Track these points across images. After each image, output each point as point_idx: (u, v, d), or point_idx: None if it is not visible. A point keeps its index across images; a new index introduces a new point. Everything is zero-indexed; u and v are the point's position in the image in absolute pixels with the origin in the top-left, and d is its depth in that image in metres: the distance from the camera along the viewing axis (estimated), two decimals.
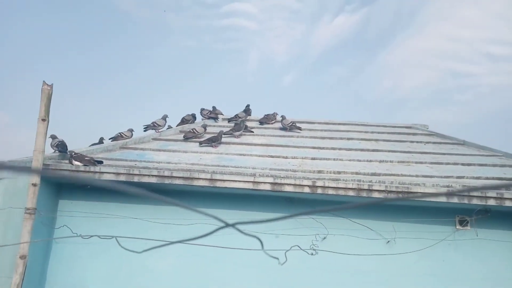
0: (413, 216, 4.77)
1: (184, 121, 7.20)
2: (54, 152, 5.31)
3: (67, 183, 4.98)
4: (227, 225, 1.18)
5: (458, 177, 5.35)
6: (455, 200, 4.46)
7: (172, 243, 1.65)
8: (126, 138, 6.15)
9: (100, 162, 4.90)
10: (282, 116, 7.47)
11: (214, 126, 7.30)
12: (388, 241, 4.74)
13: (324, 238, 4.75)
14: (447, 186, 4.75)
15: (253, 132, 7.01)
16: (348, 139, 7.04)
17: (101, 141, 6.49)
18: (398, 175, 5.37)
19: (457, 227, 4.75)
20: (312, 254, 4.67)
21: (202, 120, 7.63)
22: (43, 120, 4.51)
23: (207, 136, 6.45)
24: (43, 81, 4.60)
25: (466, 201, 4.46)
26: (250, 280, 4.80)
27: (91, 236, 4.56)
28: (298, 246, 4.63)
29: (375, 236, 4.76)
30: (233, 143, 6.48)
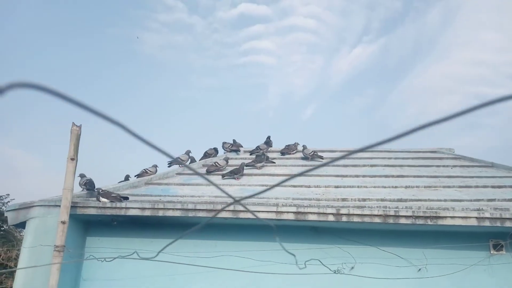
0: (443, 242, 4.60)
1: (206, 155, 7.32)
2: (82, 190, 5.48)
3: (94, 220, 5.09)
4: (235, 201, 1.19)
5: (488, 200, 5.17)
6: (487, 223, 4.30)
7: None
8: (151, 174, 6.28)
9: (126, 198, 5.01)
10: (303, 146, 7.50)
11: (236, 158, 7.38)
12: (420, 269, 4.57)
13: (352, 268, 4.62)
14: (478, 210, 4.58)
15: (274, 163, 7.04)
16: (372, 166, 6.96)
17: (127, 178, 6.65)
18: (425, 200, 5.24)
19: (492, 251, 4.54)
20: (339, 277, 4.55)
21: (224, 153, 7.73)
22: (72, 159, 4.69)
23: (230, 168, 6.52)
24: (72, 122, 4.83)
25: (499, 224, 4.29)
26: None
27: (114, 258, 4.60)
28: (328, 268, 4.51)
29: (405, 264, 4.59)
30: (255, 175, 6.51)
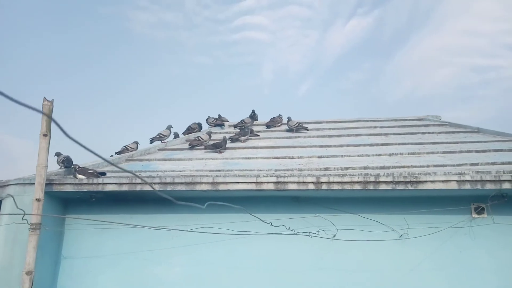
0: (425, 207, 4.57)
1: (190, 129, 7.20)
2: (60, 168, 5.37)
3: (73, 198, 5.00)
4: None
5: (471, 164, 5.13)
6: (467, 186, 4.26)
7: None
8: (132, 150, 6.17)
9: (103, 174, 4.91)
10: (288, 118, 7.39)
11: (220, 133, 7.27)
12: (401, 235, 4.55)
13: (334, 236, 4.59)
14: (459, 173, 4.53)
15: (259, 135, 6.94)
16: (357, 135, 6.89)
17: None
18: (408, 166, 5.19)
19: (473, 215, 4.52)
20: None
21: (209, 128, 7.61)
22: (45, 135, 4.55)
23: (213, 143, 6.42)
24: (44, 97, 4.66)
25: (479, 187, 4.25)
26: (263, 285, 4.67)
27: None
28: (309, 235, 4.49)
29: (386, 229, 4.57)
30: (239, 148, 6.42)
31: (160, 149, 6.47)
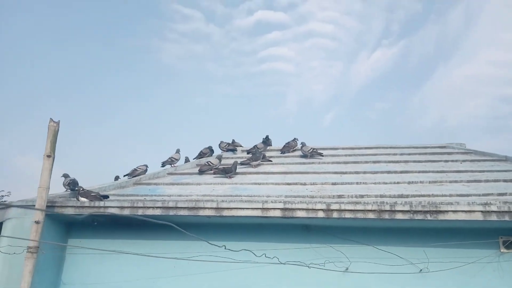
0: (447, 240, 4.18)
1: (201, 154, 7.06)
2: (66, 190, 5.27)
3: (75, 221, 4.86)
4: None
5: (499, 194, 4.72)
6: (493, 217, 3.87)
7: None
8: (140, 172, 6.04)
9: (106, 197, 4.77)
10: (302, 143, 7.15)
11: (231, 158, 7.09)
12: (421, 269, 4.15)
13: (346, 268, 4.23)
14: (484, 203, 4.14)
15: (271, 161, 6.71)
16: (374, 162, 6.56)
17: (116, 179, 6.44)
18: (428, 195, 4.83)
19: (501, 249, 4.09)
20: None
21: (221, 152, 7.45)
22: (49, 156, 4.47)
23: (223, 167, 6.23)
24: (50, 118, 4.63)
25: (507, 218, 3.85)
26: None
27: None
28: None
29: (404, 263, 4.18)
30: (250, 173, 6.20)
31: (169, 173, 6.32)
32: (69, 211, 4.55)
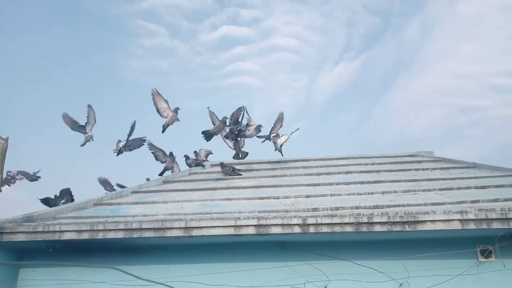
0: (426, 251, 4.06)
1: (165, 169, 6.76)
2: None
3: (28, 248, 4.39)
4: None
5: (472, 202, 4.67)
6: (471, 226, 3.79)
7: None
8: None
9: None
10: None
11: (201, 173, 6.79)
12: (401, 284, 4.00)
13: (325, 287, 4.02)
14: (461, 212, 4.06)
15: (241, 174, 6.47)
16: (347, 172, 6.45)
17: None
18: (404, 205, 4.71)
19: (480, 259, 4.02)
20: None
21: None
22: None
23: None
24: None
25: (485, 226, 3.78)
26: None
27: None
28: None
29: (384, 278, 4.02)
30: (220, 188, 5.92)
31: (133, 192, 5.93)
32: (20, 237, 4.10)
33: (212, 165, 7.31)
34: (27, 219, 4.64)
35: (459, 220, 3.83)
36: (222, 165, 6.58)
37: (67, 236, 4.05)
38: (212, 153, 7.16)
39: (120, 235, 4.01)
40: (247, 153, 7.01)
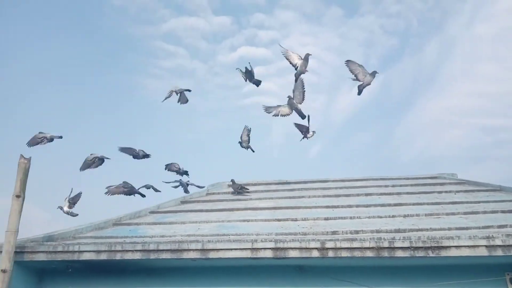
0: (450, 278, 3.90)
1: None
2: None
3: (48, 268, 4.44)
4: None
5: (499, 226, 4.49)
6: (499, 252, 3.63)
7: None
8: None
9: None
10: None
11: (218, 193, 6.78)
12: None
13: None
14: (487, 237, 3.90)
15: (248, 189, 6.50)
16: (366, 194, 6.32)
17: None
18: (426, 229, 4.57)
19: (509, 287, 3.82)
20: None
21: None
22: (18, 196, 4.13)
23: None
24: (21, 154, 4.31)
25: None
26: None
27: None
28: None
29: None
30: (237, 209, 5.89)
31: (151, 212, 5.96)
32: (41, 257, 4.15)
33: (229, 185, 7.30)
34: (48, 238, 4.71)
35: (486, 246, 3.68)
36: (232, 182, 6.62)
37: (86, 257, 4.08)
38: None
39: (137, 256, 4.01)
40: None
